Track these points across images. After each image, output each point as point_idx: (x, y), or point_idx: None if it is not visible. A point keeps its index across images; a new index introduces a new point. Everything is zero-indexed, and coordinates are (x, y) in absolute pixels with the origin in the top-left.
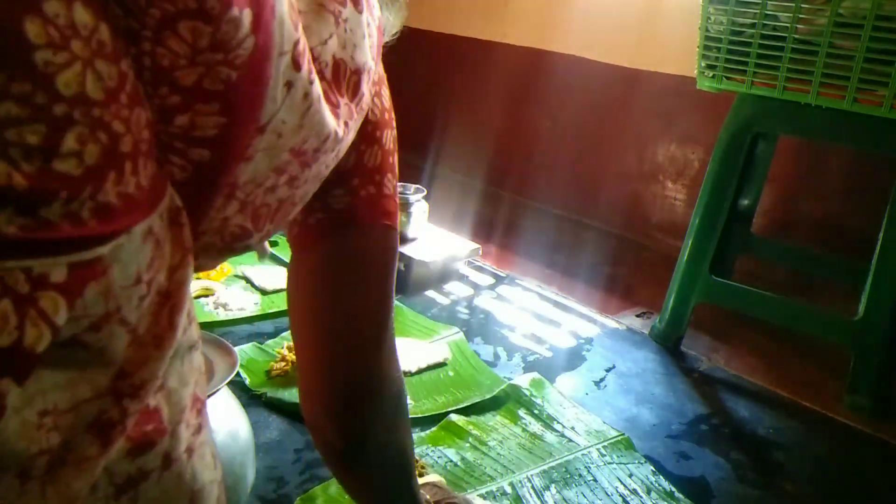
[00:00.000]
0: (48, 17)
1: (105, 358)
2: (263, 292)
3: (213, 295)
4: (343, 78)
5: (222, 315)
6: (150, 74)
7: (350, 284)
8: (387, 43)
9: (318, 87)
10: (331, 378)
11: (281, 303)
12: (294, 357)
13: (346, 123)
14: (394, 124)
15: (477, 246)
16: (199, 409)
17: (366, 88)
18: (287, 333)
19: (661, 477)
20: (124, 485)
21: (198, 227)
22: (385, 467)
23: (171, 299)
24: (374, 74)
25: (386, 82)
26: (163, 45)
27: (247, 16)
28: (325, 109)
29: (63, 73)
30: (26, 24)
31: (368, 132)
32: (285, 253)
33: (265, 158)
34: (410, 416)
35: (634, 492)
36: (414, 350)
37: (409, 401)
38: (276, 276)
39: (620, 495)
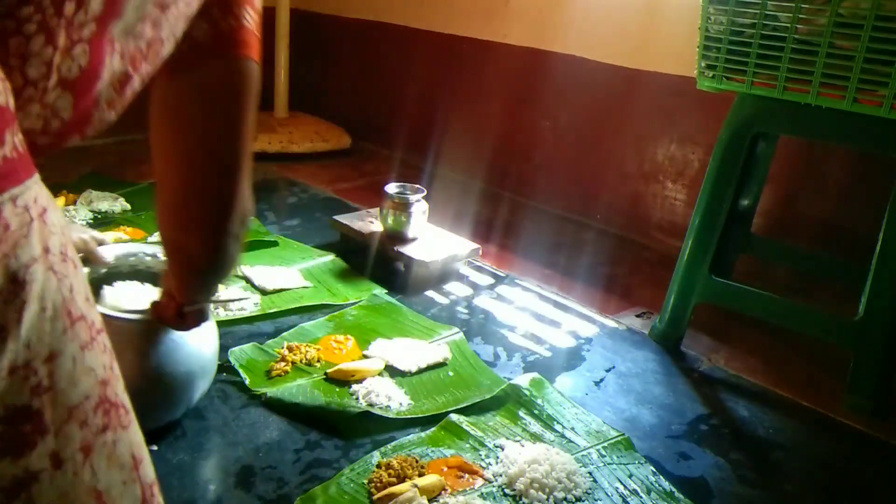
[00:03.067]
0: None
1: None
2: (263, 292)
3: None
4: None
5: (222, 315)
6: None
7: (211, 110)
8: None
9: None
10: (193, 197)
11: (281, 303)
12: (294, 357)
13: None
14: None
15: (477, 246)
16: (107, 409)
17: None
18: (287, 333)
19: (661, 477)
20: (13, 488)
21: (97, 88)
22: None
23: None
24: None
25: None
26: None
27: None
28: None
29: None
30: None
31: None
32: (286, 253)
33: (133, 11)
34: (411, 416)
35: (634, 492)
36: (414, 350)
37: (409, 401)
38: (276, 277)
39: (620, 496)
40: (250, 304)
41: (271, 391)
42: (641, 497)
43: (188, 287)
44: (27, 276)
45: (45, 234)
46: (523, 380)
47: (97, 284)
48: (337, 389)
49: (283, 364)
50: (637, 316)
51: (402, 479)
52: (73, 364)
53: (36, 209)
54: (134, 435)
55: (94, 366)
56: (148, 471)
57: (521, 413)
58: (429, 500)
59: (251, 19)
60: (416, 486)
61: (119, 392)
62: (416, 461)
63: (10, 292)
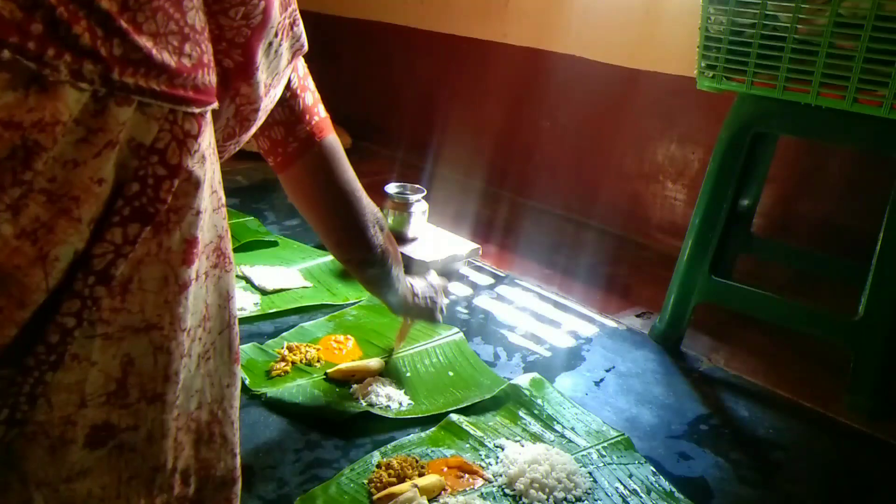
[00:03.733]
0: None
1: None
2: (263, 292)
3: None
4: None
5: None
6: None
7: (328, 175)
8: None
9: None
10: (341, 231)
11: (281, 303)
12: (294, 357)
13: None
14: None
15: (477, 246)
16: (219, 254)
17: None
18: (287, 333)
19: (661, 477)
20: (182, 287)
21: (215, 123)
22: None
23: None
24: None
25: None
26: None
27: None
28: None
29: (190, 13)
30: None
31: (301, 79)
32: (286, 253)
33: (261, 80)
34: (411, 416)
35: (634, 492)
36: (275, 273)
37: (409, 401)
38: (276, 277)
39: (620, 496)
40: (250, 304)
41: (271, 391)
42: (641, 497)
43: (379, 294)
44: (207, 156)
45: (209, 134)
46: (523, 380)
47: None
48: (337, 389)
49: (282, 364)
50: (637, 316)
51: (402, 479)
52: (208, 217)
53: (209, 118)
54: (232, 280)
55: (217, 224)
56: (234, 306)
57: (521, 413)
58: (429, 500)
59: (323, 111)
60: (416, 486)
61: (228, 248)
62: (416, 461)
63: (200, 162)
